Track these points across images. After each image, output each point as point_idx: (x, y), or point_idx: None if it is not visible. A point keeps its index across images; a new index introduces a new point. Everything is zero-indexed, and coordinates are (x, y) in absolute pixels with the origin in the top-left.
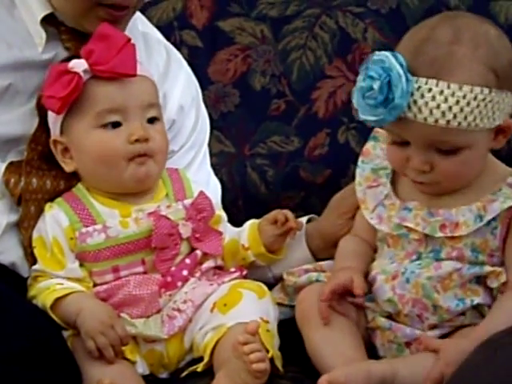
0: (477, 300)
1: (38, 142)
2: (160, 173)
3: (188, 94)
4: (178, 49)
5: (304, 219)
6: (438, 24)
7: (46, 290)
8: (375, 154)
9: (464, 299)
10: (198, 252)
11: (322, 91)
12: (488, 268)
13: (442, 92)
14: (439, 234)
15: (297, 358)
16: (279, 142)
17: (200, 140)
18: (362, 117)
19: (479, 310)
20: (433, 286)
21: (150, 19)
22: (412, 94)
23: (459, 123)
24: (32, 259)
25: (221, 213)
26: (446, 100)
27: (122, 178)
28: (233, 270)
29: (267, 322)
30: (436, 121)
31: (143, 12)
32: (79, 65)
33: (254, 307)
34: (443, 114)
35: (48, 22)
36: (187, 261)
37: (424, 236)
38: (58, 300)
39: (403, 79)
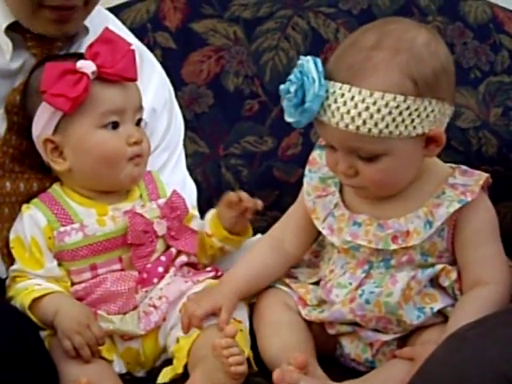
0: (436, 306)
1: (9, 145)
2: (145, 169)
3: (160, 97)
4: (152, 50)
5: None
6: (367, 29)
7: (25, 291)
8: (322, 163)
9: (423, 308)
10: (173, 249)
11: None
12: (439, 266)
13: (353, 98)
14: (393, 247)
15: None
16: (253, 142)
17: (174, 142)
18: (286, 118)
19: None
20: (396, 301)
21: (123, 21)
22: (328, 99)
23: (369, 129)
24: (9, 260)
25: (194, 212)
26: (356, 106)
27: (120, 177)
28: (208, 269)
29: (240, 322)
30: (346, 126)
31: (117, 14)
32: (88, 66)
33: None
34: (353, 119)
35: (13, 29)
36: (162, 258)
37: (375, 248)
38: (35, 300)
39: (316, 83)
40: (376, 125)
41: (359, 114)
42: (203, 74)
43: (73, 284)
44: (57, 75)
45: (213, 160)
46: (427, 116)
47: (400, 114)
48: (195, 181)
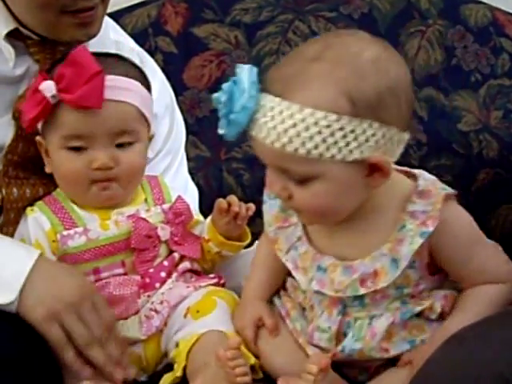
0: (426, 336)
1: (14, 152)
2: (129, 192)
3: (162, 102)
4: (153, 55)
5: None
6: (315, 40)
7: None
8: None
9: (413, 340)
10: (176, 254)
11: None
12: (418, 308)
13: (281, 112)
14: (362, 291)
15: None
16: None
17: (176, 146)
18: (219, 130)
19: None
20: (379, 349)
21: (125, 26)
22: (258, 112)
23: (296, 149)
24: None
25: (199, 217)
26: (283, 121)
27: (86, 197)
28: (211, 275)
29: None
30: (272, 143)
31: (118, 20)
32: (48, 89)
33: (226, 317)
34: (279, 136)
35: (15, 36)
36: (165, 263)
37: None
38: None
39: (245, 94)
40: (303, 144)
41: (285, 131)
42: (204, 79)
43: None
44: (32, 89)
45: (214, 164)
46: (366, 140)
47: (332, 134)
48: (197, 185)
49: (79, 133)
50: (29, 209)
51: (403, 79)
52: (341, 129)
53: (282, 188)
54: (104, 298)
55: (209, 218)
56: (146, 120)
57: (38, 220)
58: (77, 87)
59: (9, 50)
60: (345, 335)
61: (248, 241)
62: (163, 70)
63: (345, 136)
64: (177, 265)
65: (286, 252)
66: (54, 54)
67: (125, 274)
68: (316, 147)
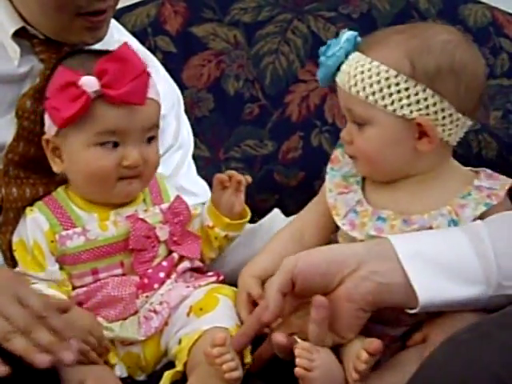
0: None
1: (14, 152)
2: (144, 186)
3: (168, 102)
4: (153, 54)
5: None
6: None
7: None
8: (344, 162)
9: None
10: (175, 255)
11: (295, 95)
12: None
13: (356, 62)
14: None
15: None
16: (253, 145)
17: (186, 142)
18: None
19: None
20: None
21: (124, 25)
22: (345, 64)
23: (357, 91)
24: (12, 263)
25: (195, 211)
26: (355, 68)
27: (110, 193)
28: (210, 273)
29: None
30: (343, 85)
31: (117, 18)
32: (91, 84)
33: (229, 313)
34: (348, 80)
35: (20, 35)
36: (164, 263)
37: None
38: None
39: (338, 45)
40: (364, 89)
41: (354, 76)
42: (203, 78)
43: (74, 288)
44: (61, 85)
45: (213, 163)
46: (417, 102)
47: (388, 86)
48: None
49: (115, 128)
50: (28, 209)
51: (470, 67)
52: (397, 84)
53: (347, 132)
54: (31, 288)
55: (206, 206)
56: None
57: (36, 220)
58: (122, 83)
59: (14, 49)
60: None
61: (249, 216)
62: None
63: (399, 91)
64: (176, 265)
65: (344, 216)
66: (60, 54)
67: (123, 274)
68: (373, 94)
